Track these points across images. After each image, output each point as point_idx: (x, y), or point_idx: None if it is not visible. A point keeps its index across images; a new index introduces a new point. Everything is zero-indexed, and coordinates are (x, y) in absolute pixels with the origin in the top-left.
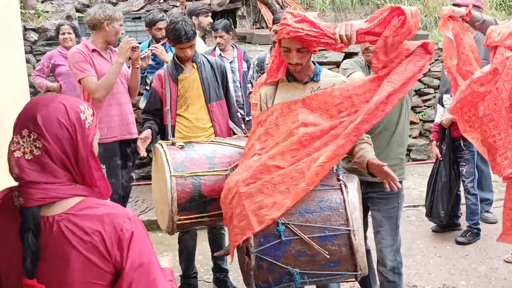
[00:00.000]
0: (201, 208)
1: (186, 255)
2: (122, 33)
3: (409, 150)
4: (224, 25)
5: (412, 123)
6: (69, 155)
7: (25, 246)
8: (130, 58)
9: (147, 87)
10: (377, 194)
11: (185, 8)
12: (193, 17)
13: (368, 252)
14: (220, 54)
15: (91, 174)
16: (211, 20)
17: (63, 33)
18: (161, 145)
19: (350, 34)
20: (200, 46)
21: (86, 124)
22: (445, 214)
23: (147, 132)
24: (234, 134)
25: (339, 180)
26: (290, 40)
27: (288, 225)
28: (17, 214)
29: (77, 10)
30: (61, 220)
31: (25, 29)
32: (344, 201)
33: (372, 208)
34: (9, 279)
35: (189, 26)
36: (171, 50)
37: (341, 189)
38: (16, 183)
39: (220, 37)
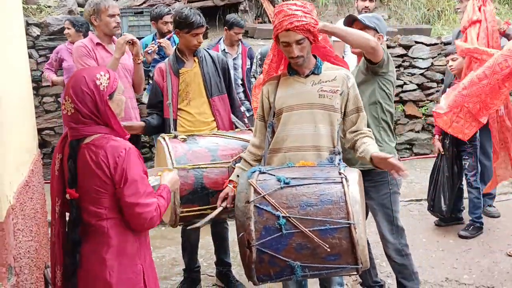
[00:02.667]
0: (204, 201)
1: (189, 249)
2: (118, 22)
3: (411, 145)
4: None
5: (414, 117)
6: (92, 110)
7: (69, 167)
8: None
9: (150, 81)
10: (368, 183)
11: (187, 2)
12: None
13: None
14: (224, 49)
15: (109, 120)
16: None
17: (65, 28)
18: (164, 138)
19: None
20: None
21: (101, 87)
22: (447, 208)
23: (137, 123)
24: (237, 127)
25: (340, 173)
26: (290, 32)
27: (289, 218)
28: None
29: (79, 5)
30: (86, 147)
31: (28, 24)
32: (345, 195)
33: (365, 197)
34: (56, 191)
35: (197, 13)
36: (176, 44)
37: (342, 182)
38: None
39: (241, 33)
